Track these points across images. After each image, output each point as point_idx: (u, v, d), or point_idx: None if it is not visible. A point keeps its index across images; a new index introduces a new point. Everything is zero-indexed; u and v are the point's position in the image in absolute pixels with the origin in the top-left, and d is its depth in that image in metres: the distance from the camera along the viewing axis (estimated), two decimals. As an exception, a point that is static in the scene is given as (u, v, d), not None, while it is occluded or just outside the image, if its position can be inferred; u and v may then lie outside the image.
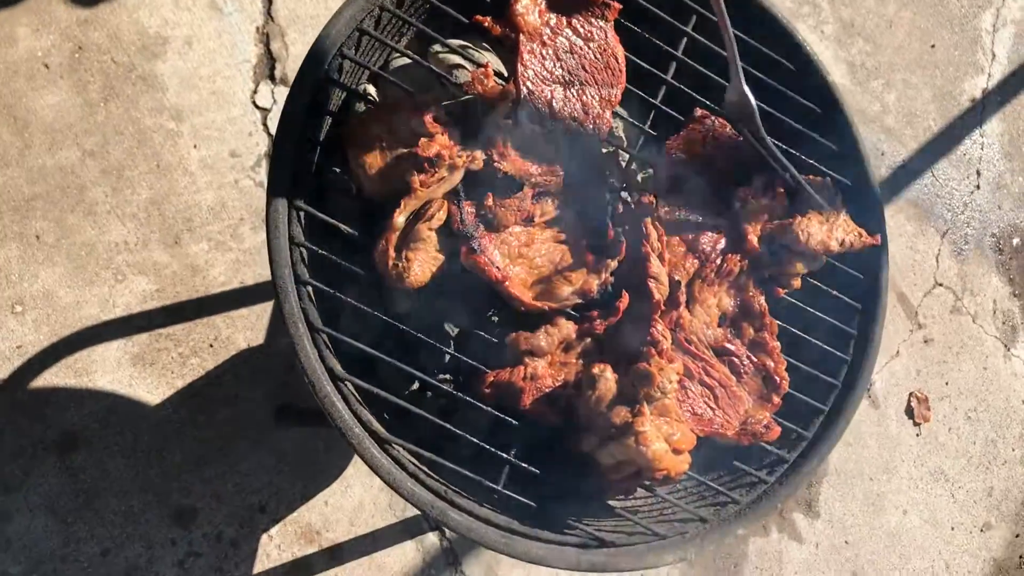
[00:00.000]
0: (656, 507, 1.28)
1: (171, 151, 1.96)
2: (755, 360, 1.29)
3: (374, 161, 1.15)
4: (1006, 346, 2.81)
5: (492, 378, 1.16)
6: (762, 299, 1.29)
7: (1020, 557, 2.73)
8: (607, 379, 1.12)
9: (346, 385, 1.12)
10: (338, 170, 1.22)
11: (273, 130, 2.04)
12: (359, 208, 1.20)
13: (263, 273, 1.98)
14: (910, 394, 2.64)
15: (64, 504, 1.79)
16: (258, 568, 1.91)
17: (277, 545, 1.93)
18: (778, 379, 1.27)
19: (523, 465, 1.16)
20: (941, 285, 2.74)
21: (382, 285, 1.17)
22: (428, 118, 1.10)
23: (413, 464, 1.13)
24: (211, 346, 1.94)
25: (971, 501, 2.67)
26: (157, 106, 1.96)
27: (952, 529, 2.62)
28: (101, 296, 1.87)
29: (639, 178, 1.39)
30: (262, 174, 2.01)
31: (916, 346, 2.67)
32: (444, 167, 1.10)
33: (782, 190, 1.28)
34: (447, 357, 1.27)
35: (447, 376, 1.29)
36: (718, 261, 1.28)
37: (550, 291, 1.19)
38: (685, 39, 1.33)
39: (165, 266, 1.92)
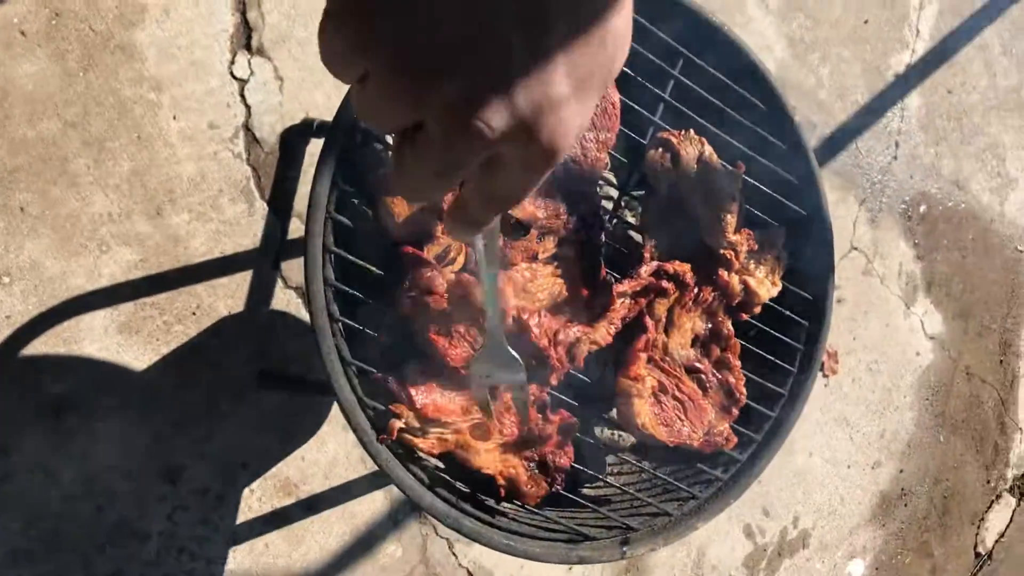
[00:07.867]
0: (627, 502, 1.49)
1: (151, 122, 1.99)
2: (719, 376, 1.49)
3: (401, 209, 1.27)
4: (907, 305, 3.12)
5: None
6: (729, 324, 1.48)
7: (901, 489, 3.12)
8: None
9: (369, 412, 1.27)
10: (369, 211, 1.32)
11: (251, 101, 2.08)
12: (384, 248, 1.32)
13: (242, 243, 2.06)
14: (821, 347, 2.93)
15: (58, 465, 1.90)
16: (241, 519, 2.07)
17: (258, 498, 2.08)
18: (738, 394, 1.48)
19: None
20: (856, 249, 3.01)
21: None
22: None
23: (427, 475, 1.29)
24: (194, 314, 2.03)
25: (866, 442, 3.02)
26: (137, 76, 1.98)
27: (848, 467, 2.97)
28: (87, 266, 1.93)
29: (630, 218, 1.54)
30: (240, 145, 2.06)
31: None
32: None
33: (752, 239, 1.46)
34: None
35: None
36: (696, 291, 1.46)
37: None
38: (672, 82, 1.46)
39: (148, 236, 1.98)
